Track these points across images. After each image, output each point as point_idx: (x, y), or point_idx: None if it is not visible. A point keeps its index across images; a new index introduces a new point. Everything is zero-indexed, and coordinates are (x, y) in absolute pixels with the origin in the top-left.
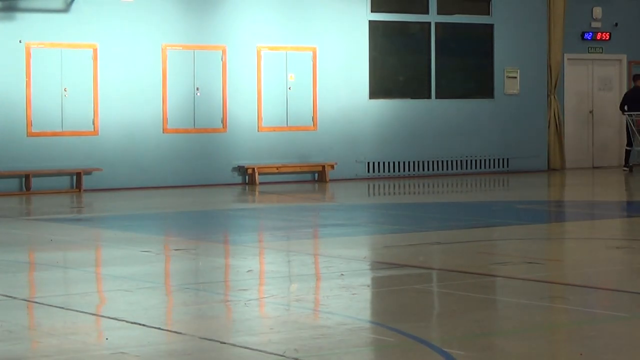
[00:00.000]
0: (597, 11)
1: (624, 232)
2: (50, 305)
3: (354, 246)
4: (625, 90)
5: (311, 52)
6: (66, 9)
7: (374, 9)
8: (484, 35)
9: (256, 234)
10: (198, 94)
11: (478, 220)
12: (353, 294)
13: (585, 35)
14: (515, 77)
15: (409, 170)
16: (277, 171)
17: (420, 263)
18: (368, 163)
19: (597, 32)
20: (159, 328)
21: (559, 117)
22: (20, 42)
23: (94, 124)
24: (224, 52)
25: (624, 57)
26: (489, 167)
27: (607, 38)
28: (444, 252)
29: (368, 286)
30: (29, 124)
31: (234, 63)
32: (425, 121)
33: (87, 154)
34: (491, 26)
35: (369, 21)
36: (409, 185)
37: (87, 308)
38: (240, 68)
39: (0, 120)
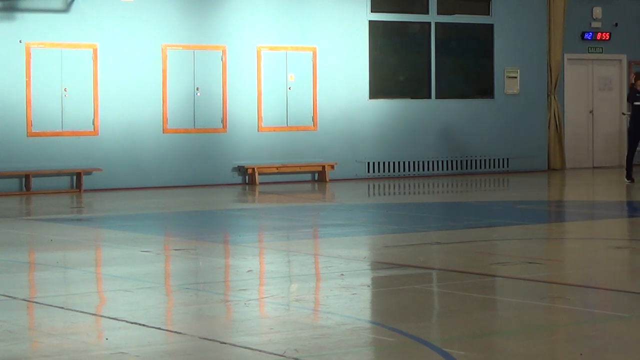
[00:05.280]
0: (597, 11)
1: (624, 232)
2: (50, 305)
3: (354, 246)
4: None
5: (311, 52)
6: (66, 9)
7: (374, 9)
8: (484, 35)
9: (256, 234)
10: (198, 94)
11: (478, 220)
12: (353, 294)
13: (585, 35)
14: (515, 77)
15: (409, 170)
16: (277, 171)
17: (420, 263)
18: (368, 163)
19: (597, 32)
20: (159, 328)
21: (559, 117)
22: (20, 42)
23: (94, 124)
24: (224, 52)
25: (624, 57)
26: (489, 167)
27: (607, 38)
28: (444, 252)
29: (368, 286)
30: (29, 124)
31: (234, 63)
32: (425, 121)
33: (87, 154)
34: (491, 26)
35: (369, 21)
36: (409, 185)
37: (87, 308)
38: (240, 68)
39: (0, 120)
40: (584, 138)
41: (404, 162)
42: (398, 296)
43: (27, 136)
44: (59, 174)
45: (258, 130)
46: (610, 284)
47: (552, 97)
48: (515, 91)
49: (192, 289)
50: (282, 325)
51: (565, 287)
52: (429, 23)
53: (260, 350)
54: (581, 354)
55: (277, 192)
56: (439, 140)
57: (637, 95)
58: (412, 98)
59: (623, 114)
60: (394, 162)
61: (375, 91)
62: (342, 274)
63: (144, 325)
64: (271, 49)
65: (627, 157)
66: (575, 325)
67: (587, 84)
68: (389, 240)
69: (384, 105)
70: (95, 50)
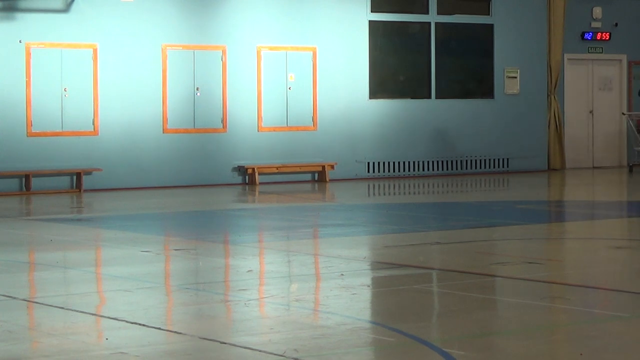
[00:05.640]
0: (597, 11)
1: (624, 232)
2: (50, 305)
3: (354, 246)
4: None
5: (311, 52)
6: (66, 9)
7: (374, 9)
8: (484, 35)
9: (256, 234)
10: (198, 94)
11: (478, 220)
12: (353, 294)
13: (585, 35)
14: (515, 77)
15: (409, 170)
16: (277, 171)
17: (420, 263)
18: (368, 163)
19: (597, 32)
20: (159, 328)
21: (559, 117)
22: (20, 42)
23: (94, 124)
24: (224, 52)
25: (624, 57)
26: (489, 167)
27: (607, 38)
28: (444, 252)
29: (368, 286)
30: (29, 124)
31: (234, 63)
32: (425, 121)
33: (87, 154)
34: (491, 26)
35: (369, 21)
36: (409, 185)
37: (87, 308)
38: (240, 68)
39: (0, 120)
40: (584, 138)
41: (404, 162)
42: (398, 296)
43: (27, 136)
44: (59, 174)
45: (258, 130)
46: (610, 284)
47: (552, 97)
48: (515, 91)
49: (192, 289)
50: (282, 325)
51: (565, 287)
52: (429, 23)
53: (260, 350)
54: (581, 354)
55: (277, 192)
56: (434, 141)
57: None
58: (412, 98)
59: (623, 114)
60: (394, 162)
61: (375, 91)
62: (342, 274)
63: (144, 325)
64: (271, 49)
65: None
66: (575, 325)
67: (587, 84)
68: (389, 240)
69: (384, 105)
70: (95, 50)
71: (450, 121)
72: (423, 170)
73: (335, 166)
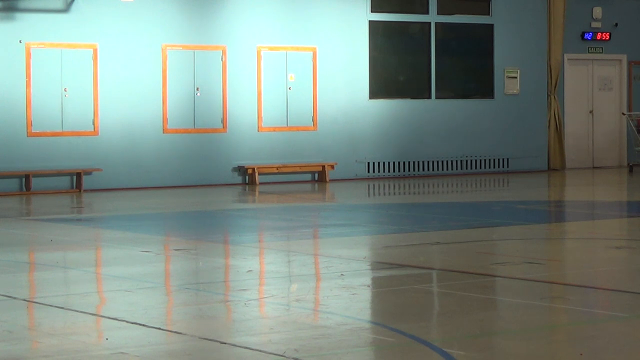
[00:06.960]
0: (597, 11)
1: (624, 232)
2: (50, 305)
3: (354, 246)
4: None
5: (311, 52)
6: (66, 9)
7: (374, 9)
8: (484, 35)
9: (256, 234)
10: (198, 94)
11: (478, 220)
12: (353, 294)
13: (585, 35)
14: (515, 77)
15: (409, 170)
16: (277, 171)
17: (421, 263)
18: (368, 163)
19: (597, 32)
20: (159, 328)
21: (559, 117)
22: (20, 42)
23: (94, 124)
24: (224, 52)
25: (624, 57)
26: (489, 167)
27: (607, 38)
28: (444, 252)
29: (368, 286)
30: (29, 124)
31: (234, 63)
32: (425, 121)
33: (87, 154)
34: (491, 26)
35: (369, 21)
36: (409, 185)
37: (87, 308)
38: (240, 68)
39: (0, 120)
40: (584, 138)
41: (403, 162)
42: (398, 296)
43: (27, 136)
44: (59, 174)
45: (258, 130)
46: (610, 284)
47: (552, 97)
48: (515, 91)
49: (192, 289)
50: (282, 325)
51: (565, 287)
52: (429, 23)
53: (260, 350)
54: (581, 354)
55: (277, 192)
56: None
57: None
58: (412, 98)
59: (623, 114)
60: (393, 162)
61: (375, 91)
62: (342, 274)
63: (144, 325)
64: (271, 49)
65: None
66: (575, 325)
67: (587, 84)
68: (389, 240)
69: (384, 105)
70: (95, 50)
71: (450, 121)
72: (423, 170)
73: (335, 166)
